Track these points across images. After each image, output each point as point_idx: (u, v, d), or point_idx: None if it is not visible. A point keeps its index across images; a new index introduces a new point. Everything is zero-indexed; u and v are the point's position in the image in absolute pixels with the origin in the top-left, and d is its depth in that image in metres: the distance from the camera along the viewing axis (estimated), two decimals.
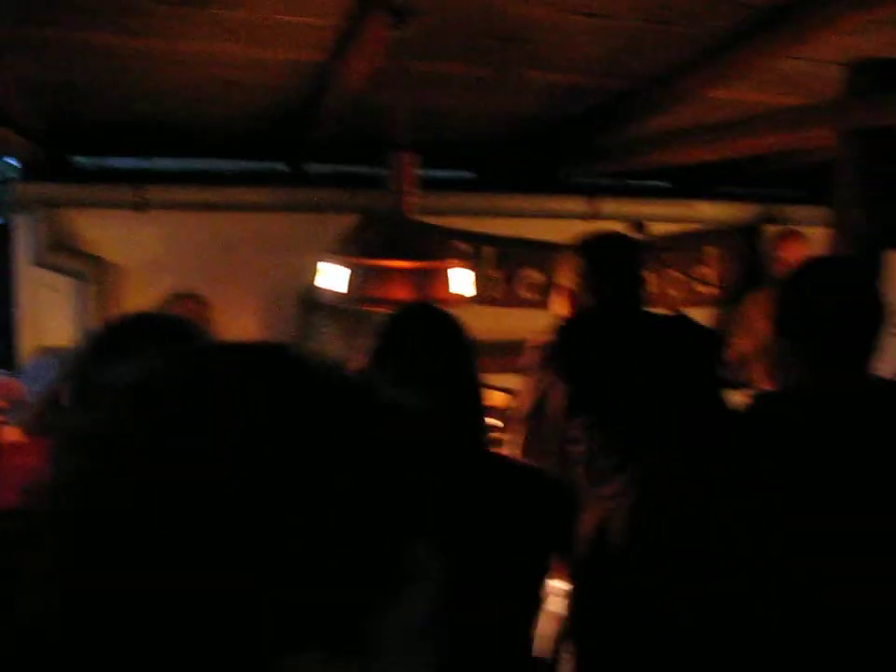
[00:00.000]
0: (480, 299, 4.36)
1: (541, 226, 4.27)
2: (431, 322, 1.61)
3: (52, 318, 3.83)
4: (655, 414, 1.92)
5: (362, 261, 2.14)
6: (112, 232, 3.84)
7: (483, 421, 1.61)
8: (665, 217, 4.36)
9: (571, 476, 1.92)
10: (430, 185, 4.33)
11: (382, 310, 2.21)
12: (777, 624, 1.34)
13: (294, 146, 3.74)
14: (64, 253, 3.71)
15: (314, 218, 4.03)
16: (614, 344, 1.99)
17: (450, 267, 2.19)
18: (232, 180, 3.92)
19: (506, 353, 3.44)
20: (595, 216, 4.22)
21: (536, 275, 4.29)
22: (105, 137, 3.77)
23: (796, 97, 2.74)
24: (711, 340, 2.14)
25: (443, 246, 2.29)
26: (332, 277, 2.19)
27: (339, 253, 2.18)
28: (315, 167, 4.30)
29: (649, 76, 3.08)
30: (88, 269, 3.74)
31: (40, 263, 3.67)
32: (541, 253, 4.28)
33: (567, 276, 2.14)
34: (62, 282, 3.80)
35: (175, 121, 3.60)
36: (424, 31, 2.68)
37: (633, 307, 2.09)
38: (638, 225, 4.47)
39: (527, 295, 4.28)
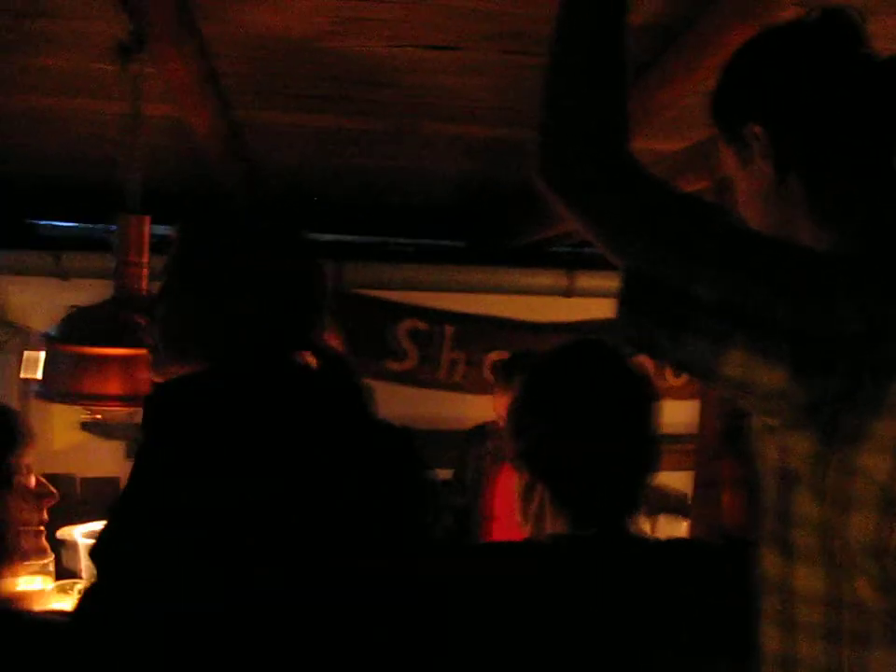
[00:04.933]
0: (440, 383, 3.88)
1: (514, 303, 3.73)
2: None
3: None
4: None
5: (59, 347, 1.73)
6: (37, 300, 3.64)
7: None
8: None
9: None
10: (420, 256, 3.98)
11: (85, 406, 1.80)
12: None
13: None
14: None
15: None
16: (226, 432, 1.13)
17: None
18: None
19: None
20: (575, 292, 3.65)
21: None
22: (34, 202, 3.61)
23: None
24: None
25: None
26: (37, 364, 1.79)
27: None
28: None
29: None
30: (7, 338, 3.54)
31: None
32: (513, 334, 3.74)
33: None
34: None
35: (93, 183, 3.38)
36: (259, 75, 2.31)
37: (277, 366, 1.20)
38: None
39: None
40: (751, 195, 1.05)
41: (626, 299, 0.95)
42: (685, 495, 2.96)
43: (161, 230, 3.78)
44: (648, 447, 1.24)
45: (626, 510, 1.24)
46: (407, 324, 3.70)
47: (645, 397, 1.25)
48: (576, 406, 1.22)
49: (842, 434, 0.87)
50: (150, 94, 2.33)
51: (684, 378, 3.53)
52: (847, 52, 0.99)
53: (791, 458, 0.91)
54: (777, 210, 1.02)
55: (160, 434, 1.13)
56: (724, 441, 1.60)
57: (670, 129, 2.28)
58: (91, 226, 3.77)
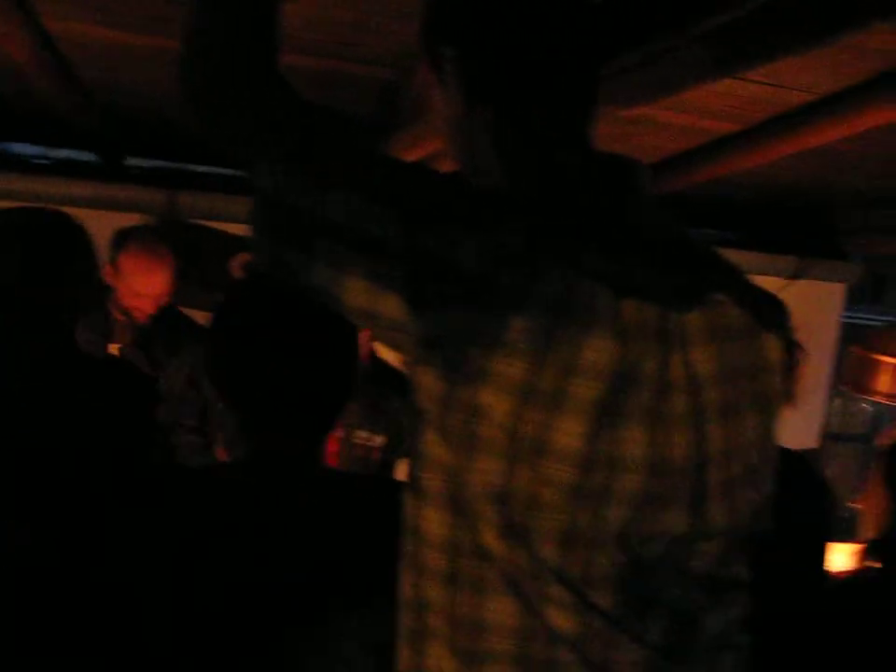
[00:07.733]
0: None
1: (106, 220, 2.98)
2: None
3: None
4: None
5: None
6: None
7: None
8: None
9: None
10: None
11: None
12: None
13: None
14: None
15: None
16: None
17: None
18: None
19: None
20: (175, 212, 3.42)
21: None
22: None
23: None
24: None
25: None
26: None
27: None
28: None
29: None
30: None
31: None
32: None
33: None
34: None
35: None
36: None
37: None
38: None
39: None
40: (447, 123, 1.01)
41: (258, 220, 0.90)
42: None
43: None
44: (324, 376, 1.17)
45: (294, 434, 1.18)
46: None
47: (319, 326, 1.16)
48: (242, 332, 1.17)
49: (464, 372, 0.82)
50: None
51: None
52: None
53: (419, 397, 0.86)
54: (467, 139, 0.99)
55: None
56: None
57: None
58: None
